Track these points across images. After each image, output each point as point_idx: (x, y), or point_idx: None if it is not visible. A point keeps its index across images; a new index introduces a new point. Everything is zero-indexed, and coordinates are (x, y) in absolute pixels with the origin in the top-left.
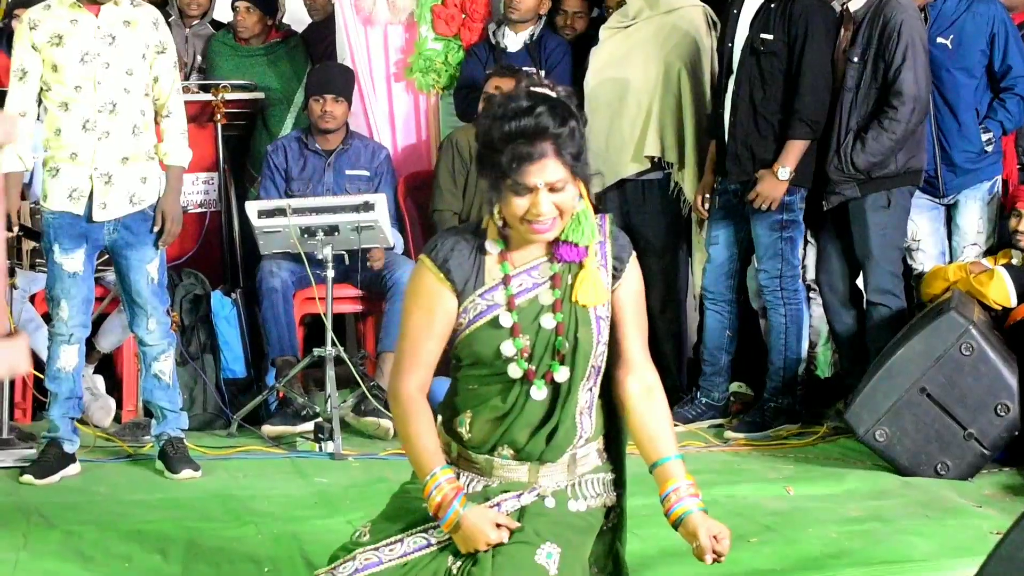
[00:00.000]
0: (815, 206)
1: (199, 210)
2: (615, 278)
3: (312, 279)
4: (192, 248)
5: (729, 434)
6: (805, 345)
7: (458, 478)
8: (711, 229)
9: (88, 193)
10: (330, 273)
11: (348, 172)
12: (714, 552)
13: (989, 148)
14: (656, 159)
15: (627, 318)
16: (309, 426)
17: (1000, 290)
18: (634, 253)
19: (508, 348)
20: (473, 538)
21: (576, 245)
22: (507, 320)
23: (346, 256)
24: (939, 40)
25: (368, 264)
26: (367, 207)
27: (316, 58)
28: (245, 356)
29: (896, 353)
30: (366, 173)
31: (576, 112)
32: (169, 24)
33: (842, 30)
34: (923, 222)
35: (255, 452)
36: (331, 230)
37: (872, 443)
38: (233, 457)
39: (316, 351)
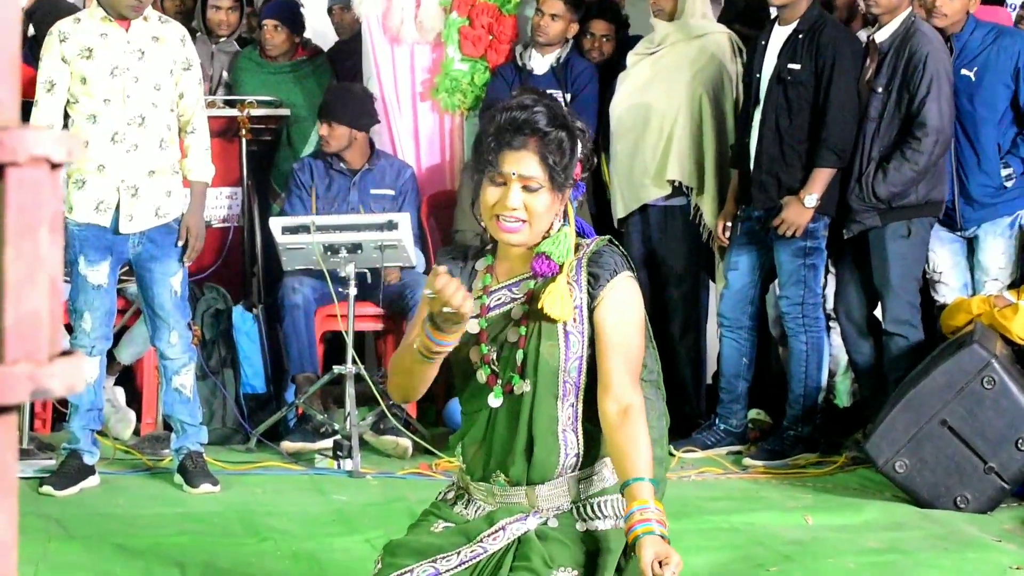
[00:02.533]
0: (835, 235)
1: (222, 225)
2: (592, 296)
3: (334, 296)
4: (214, 262)
5: (748, 461)
6: (825, 373)
7: (468, 504)
8: (731, 255)
9: (115, 205)
10: (352, 291)
11: (373, 192)
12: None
13: (1009, 184)
14: (677, 184)
15: (605, 339)
16: (328, 443)
17: None
18: (623, 275)
19: (474, 354)
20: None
21: (550, 259)
22: (474, 327)
23: (368, 274)
24: (963, 72)
25: (384, 281)
26: (391, 226)
27: (342, 76)
28: (265, 372)
29: (917, 385)
30: (391, 192)
31: (574, 128)
32: (195, 40)
33: (867, 60)
34: (944, 254)
35: (274, 468)
36: (354, 248)
37: (891, 474)
38: (252, 473)
39: (336, 368)
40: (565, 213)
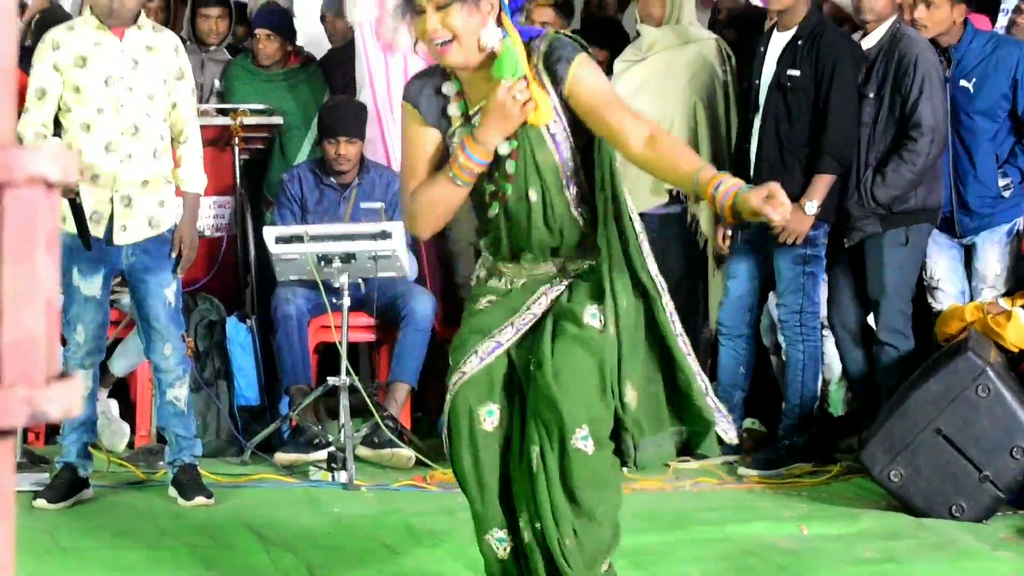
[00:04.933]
0: (829, 242)
1: (215, 235)
2: (559, 87)
3: (328, 307)
4: (208, 273)
5: (743, 471)
6: (820, 382)
7: (500, 278)
8: (731, 263)
9: (108, 216)
10: (346, 301)
11: (363, 205)
12: (777, 209)
13: (1007, 193)
14: (674, 192)
15: (594, 101)
16: (322, 455)
17: (1018, 331)
18: (578, 55)
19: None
20: (500, 112)
21: (511, 77)
22: (505, 148)
23: (362, 284)
24: (961, 83)
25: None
26: (384, 235)
27: (335, 84)
28: (259, 383)
29: (912, 393)
30: (380, 205)
31: None
32: (186, 48)
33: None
34: (942, 261)
35: (268, 480)
36: (348, 258)
37: (886, 483)
38: (246, 485)
39: (330, 380)
40: (504, 33)
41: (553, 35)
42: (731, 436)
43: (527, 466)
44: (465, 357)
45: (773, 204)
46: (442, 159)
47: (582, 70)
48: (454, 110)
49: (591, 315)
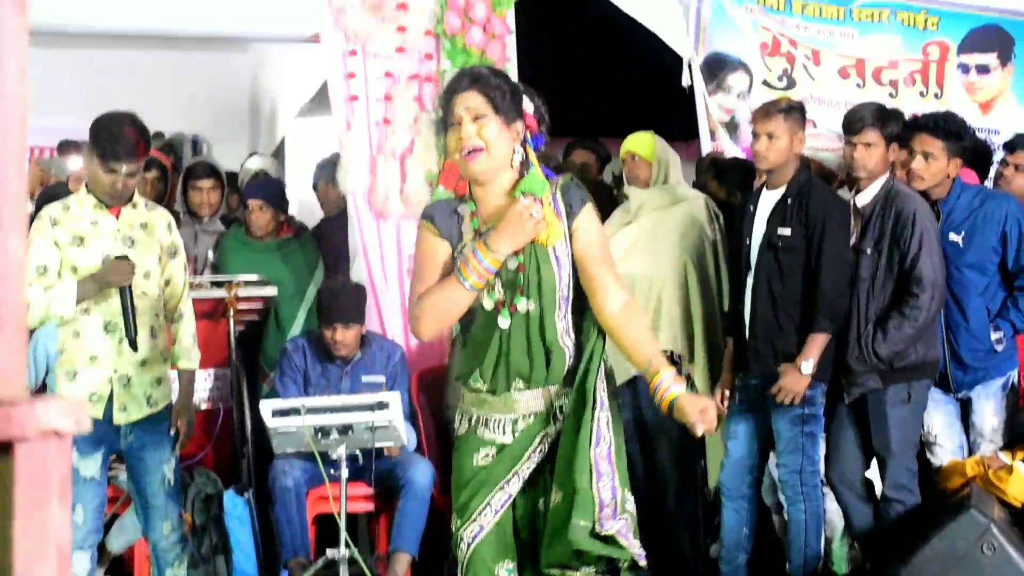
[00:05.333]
0: (830, 397)
1: (211, 407)
2: (570, 222)
3: (326, 478)
4: (204, 447)
5: None
6: (823, 541)
7: (487, 425)
8: (730, 424)
9: (107, 396)
10: (344, 473)
11: (365, 379)
12: (704, 422)
13: (999, 347)
14: (667, 353)
15: (589, 251)
16: None
17: (1020, 486)
18: (589, 203)
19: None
20: (516, 225)
21: (534, 195)
22: (513, 262)
23: (360, 454)
24: (951, 237)
25: (386, 454)
26: (381, 406)
27: (328, 253)
28: (257, 557)
29: (918, 552)
30: (382, 378)
31: (509, 78)
32: (179, 221)
33: (851, 223)
34: (938, 416)
35: None
36: (345, 429)
37: None
38: None
39: (329, 553)
40: (529, 161)
41: (570, 177)
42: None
43: None
44: (480, 508)
45: (704, 419)
46: (451, 272)
47: (590, 216)
48: (467, 226)
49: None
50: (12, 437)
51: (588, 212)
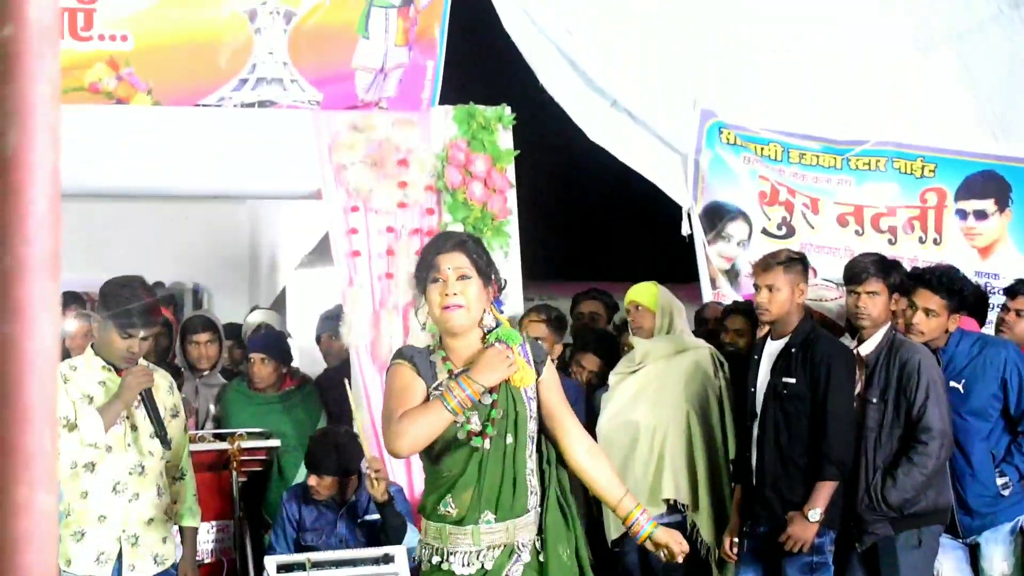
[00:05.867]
0: (841, 546)
1: (213, 560)
2: (539, 365)
3: None
4: None
5: None
6: None
7: (451, 558)
8: (739, 573)
9: (116, 555)
10: None
11: (359, 520)
12: (681, 551)
13: (1006, 492)
14: (671, 501)
15: (555, 400)
16: None
17: None
18: (550, 356)
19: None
20: (494, 362)
21: (507, 344)
22: (487, 398)
23: None
24: (952, 384)
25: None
26: (387, 559)
27: (331, 403)
28: None
29: None
30: (377, 517)
31: (489, 255)
32: (179, 374)
33: (856, 372)
34: (948, 562)
35: None
36: None
37: None
38: None
39: None
40: (496, 320)
41: (529, 336)
42: None
43: None
44: None
45: (681, 548)
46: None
47: (554, 370)
48: (441, 369)
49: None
50: None
51: (551, 365)
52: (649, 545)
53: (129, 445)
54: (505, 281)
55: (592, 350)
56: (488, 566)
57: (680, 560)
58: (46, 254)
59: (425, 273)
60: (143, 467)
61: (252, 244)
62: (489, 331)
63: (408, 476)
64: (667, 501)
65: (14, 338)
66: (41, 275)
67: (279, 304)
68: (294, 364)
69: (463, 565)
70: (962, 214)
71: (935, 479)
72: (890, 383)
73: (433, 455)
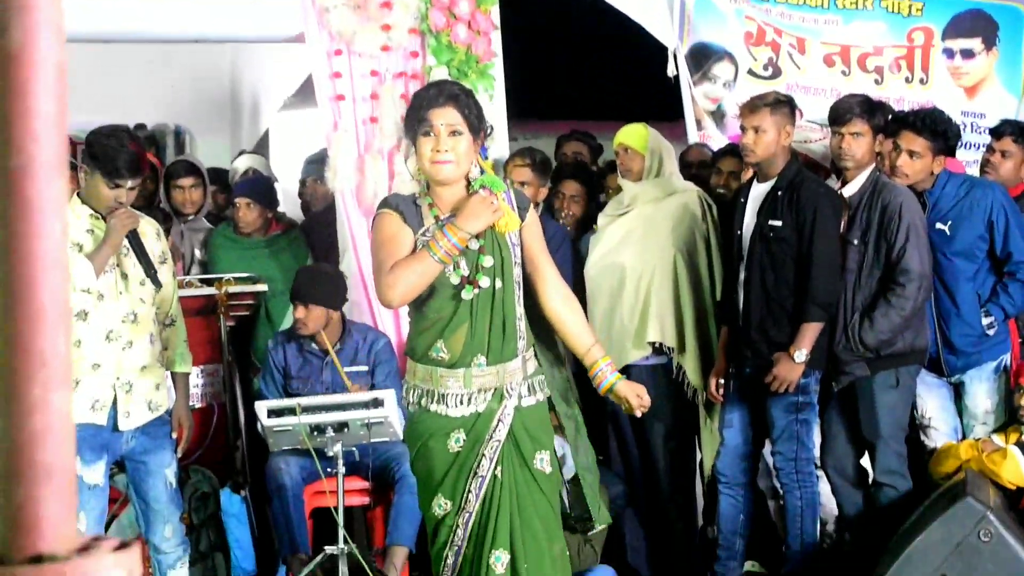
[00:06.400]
0: (823, 386)
1: (204, 404)
2: (522, 211)
3: (322, 474)
4: (199, 445)
5: None
6: (818, 527)
7: (444, 401)
8: (725, 413)
9: (111, 403)
10: (341, 470)
11: (346, 369)
12: (641, 406)
13: (991, 332)
14: (656, 344)
15: (536, 247)
16: None
17: (1014, 469)
18: (532, 206)
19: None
20: (479, 209)
21: (491, 191)
22: (475, 244)
23: (356, 451)
24: (938, 226)
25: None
26: (376, 403)
27: (317, 248)
28: (256, 554)
29: (914, 541)
30: (364, 368)
31: (477, 101)
32: (165, 219)
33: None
34: (932, 399)
35: None
36: (340, 427)
37: None
38: None
39: (328, 549)
40: (481, 168)
41: (511, 183)
42: None
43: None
44: (462, 495)
45: (641, 403)
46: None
47: (535, 216)
48: (427, 215)
49: (540, 461)
50: None
51: (533, 212)
52: (612, 397)
53: (121, 293)
54: (492, 128)
55: (569, 176)
56: (480, 408)
57: (639, 415)
58: (54, 152)
59: (416, 124)
60: (135, 315)
61: (234, 86)
62: (473, 181)
63: (396, 323)
64: (653, 344)
65: (25, 237)
66: (50, 173)
67: (262, 147)
68: (281, 209)
69: (455, 406)
70: (949, 53)
71: (913, 321)
72: (871, 225)
73: (422, 301)
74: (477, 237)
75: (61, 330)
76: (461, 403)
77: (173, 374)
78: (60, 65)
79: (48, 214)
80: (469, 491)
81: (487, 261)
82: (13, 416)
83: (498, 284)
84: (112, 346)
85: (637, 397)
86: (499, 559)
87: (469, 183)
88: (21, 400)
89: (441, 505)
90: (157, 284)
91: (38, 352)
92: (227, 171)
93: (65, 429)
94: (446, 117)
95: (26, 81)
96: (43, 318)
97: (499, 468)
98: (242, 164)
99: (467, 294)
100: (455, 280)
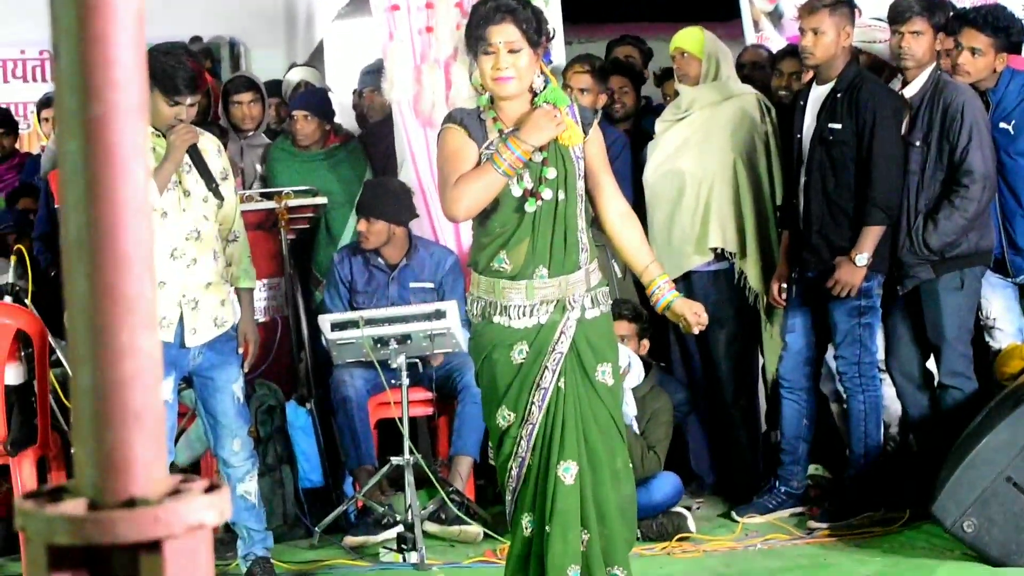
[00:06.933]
0: (884, 290)
1: (267, 317)
2: (586, 127)
3: (386, 385)
4: (264, 359)
5: (812, 524)
6: (882, 430)
7: (507, 312)
8: (787, 318)
9: (177, 320)
10: (404, 381)
11: (412, 285)
12: (698, 323)
13: None
14: (718, 250)
15: (598, 163)
16: (391, 534)
17: None
18: (597, 118)
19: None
20: (543, 122)
21: (555, 105)
22: (538, 156)
23: (419, 362)
24: (1001, 125)
25: (428, 364)
26: (439, 315)
27: (376, 160)
28: (323, 465)
29: (980, 442)
30: (430, 285)
31: (537, 9)
32: (226, 135)
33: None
34: (996, 300)
35: (339, 566)
36: (404, 339)
37: (960, 535)
38: (317, 573)
39: (394, 460)
40: (546, 77)
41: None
42: None
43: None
44: (526, 407)
45: (699, 320)
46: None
47: (599, 131)
48: (491, 129)
49: (601, 373)
50: (160, 537)
51: (597, 128)
52: (669, 315)
53: (184, 211)
54: (554, 31)
55: (612, 71)
56: (543, 320)
57: (696, 332)
58: (135, 98)
59: (475, 42)
60: (199, 232)
61: None
62: (538, 92)
63: (457, 236)
64: (714, 249)
65: (108, 184)
66: (132, 119)
67: (316, 57)
68: (336, 120)
69: (518, 318)
70: None
71: (977, 222)
72: (933, 126)
73: (486, 214)
74: (541, 150)
75: (147, 275)
76: (524, 315)
77: (238, 290)
78: (139, 12)
79: (130, 160)
80: (532, 403)
81: (550, 173)
82: (102, 361)
83: (561, 196)
84: (177, 263)
85: (695, 315)
86: (568, 470)
87: (534, 95)
88: (110, 346)
89: (505, 416)
90: (220, 198)
91: (124, 298)
92: (281, 82)
93: (154, 372)
94: (504, 34)
95: (106, 30)
96: (128, 264)
97: (562, 380)
98: (294, 77)
99: (530, 207)
100: (518, 193)
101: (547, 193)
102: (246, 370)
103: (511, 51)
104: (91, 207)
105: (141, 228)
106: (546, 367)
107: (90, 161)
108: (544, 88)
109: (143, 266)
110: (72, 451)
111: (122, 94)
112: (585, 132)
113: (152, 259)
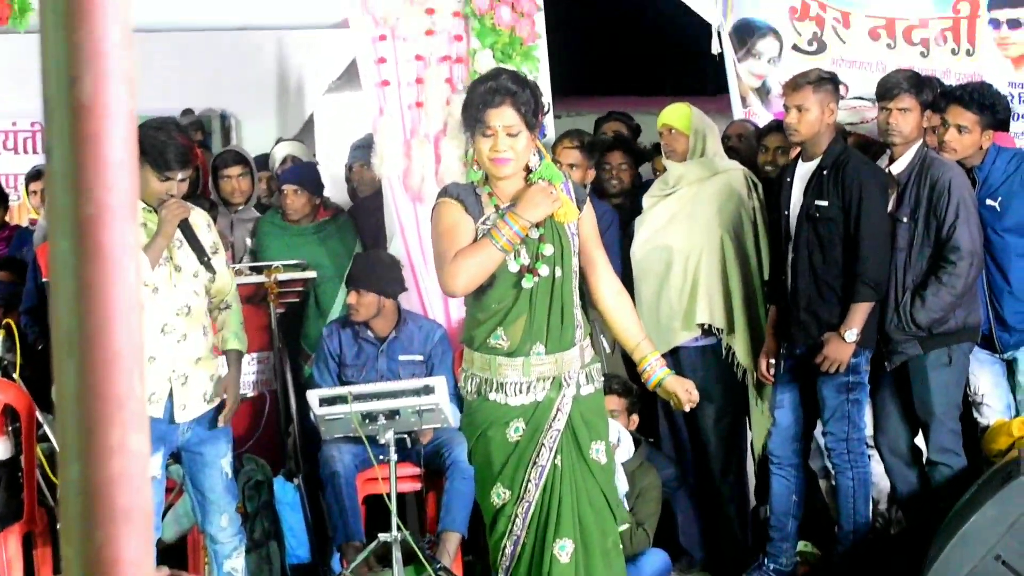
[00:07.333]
0: (874, 365)
1: (256, 393)
2: (580, 204)
3: (374, 461)
4: (252, 433)
5: None
6: (871, 507)
7: (502, 389)
8: (776, 394)
9: (167, 395)
10: (393, 457)
11: (401, 358)
12: (689, 400)
13: None
14: (705, 325)
15: (591, 240)
16: None
17: None
18: (584, 182)
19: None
20: (539, 198)
21: (550, 182)
22: (535, 232)
23: (407, 437)
24: (988, 202)
25: (416, 440)
26: (427, 391)
27: (365, 234)
28: (310, 541)
29: (968, 520)
30: (419, 358)
31: (533, 84)
32: (215, 210)
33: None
34: (985, 376)
35: None
36: (392, 414)
37: None
38: None
39: (382, 537)
40: (540, 153)
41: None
42: None
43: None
44: (522, 485)
45: (690, 397)
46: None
47: (592, 209)
48: (487, 205)
49: (596, 451)
50: None
51: (591, 206)
52: (660, 392)
53: (175, 286)
54: (548, 107)
55: (612, 147)
56: (539, 397)
57: (687, 409)
58: (125, 198)
59: (473, 123)
60: (189, 308)
61: (280, 71)
62: (533, 169)
63: (445, 309)
64: (702, 325)
65: (100, 283)
66: (123, 219)
67: (307, 130)
68: (325, 194)
69: (514, 395)
70: (995, 23)
71: (964, 298)
72: (920, 202)
73: (482, 290)
74: (537, 226)
75: (136, 372)
76: (520, 392)
77: (227, 351)
78: (131, 114)
79: (122, 259)
80: (529, 480)
81: (547, 250)
82: (92, 460)
83: (557, 273)
84: (167, 339)
85: (686, 392)
86: (564, 548)
87: (528, 171)
88: (99, 444)
89: (500, 495)
90: (212, 272)
91: (114, 396)
92: (267, 154)
93: (142, 471)
94: (503, 119)
95: (98, 130)
96: (119, 362)
97: (558, 457)
98: (280, 152)
99: (527, 283)
100: (515, 268)
101: (544, 269)
102: (223, 424)
103: (509, 135)
104: (82, 305)
105: (132, 327)
106: (543, 444)
107: (81, 260)
108: (539, 165)
109: (133, 364)
110: (60, 550)
111: (113, 194)
112: (579, 209)
113: (142, 357)
